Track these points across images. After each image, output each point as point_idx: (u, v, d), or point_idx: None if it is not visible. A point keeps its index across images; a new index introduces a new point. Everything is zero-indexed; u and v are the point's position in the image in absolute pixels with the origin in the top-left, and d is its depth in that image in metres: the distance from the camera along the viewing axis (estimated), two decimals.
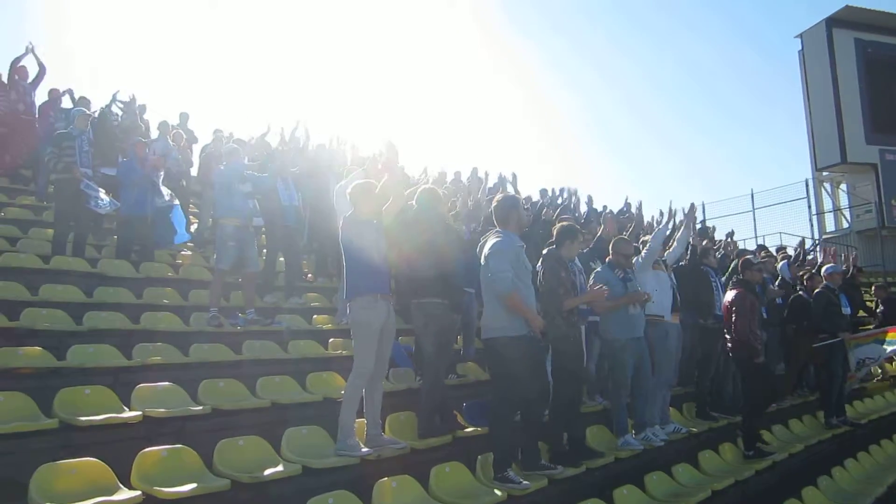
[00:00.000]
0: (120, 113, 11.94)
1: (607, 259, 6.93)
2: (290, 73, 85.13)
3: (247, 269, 7.60)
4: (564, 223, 6.72)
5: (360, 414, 5.09)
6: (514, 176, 15.49)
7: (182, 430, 4.84)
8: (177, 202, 8.89)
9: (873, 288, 12.36)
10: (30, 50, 10.81)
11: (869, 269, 21.63)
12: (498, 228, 5.46)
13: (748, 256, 8.87)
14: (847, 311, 9.44)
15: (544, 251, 6.27)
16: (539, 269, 6.04)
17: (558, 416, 5.94)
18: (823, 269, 10.01)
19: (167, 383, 5.31)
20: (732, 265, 9.02)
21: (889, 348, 9.26)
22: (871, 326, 11.14)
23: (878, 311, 11.76)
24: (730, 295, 7.49)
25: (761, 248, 15.05)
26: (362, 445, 4.93)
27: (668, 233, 7.72)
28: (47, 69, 10.97)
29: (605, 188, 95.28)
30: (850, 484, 7.17)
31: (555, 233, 6.35)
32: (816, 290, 9.42)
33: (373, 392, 5.11)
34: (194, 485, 4.06)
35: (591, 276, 6.68)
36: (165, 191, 8.85)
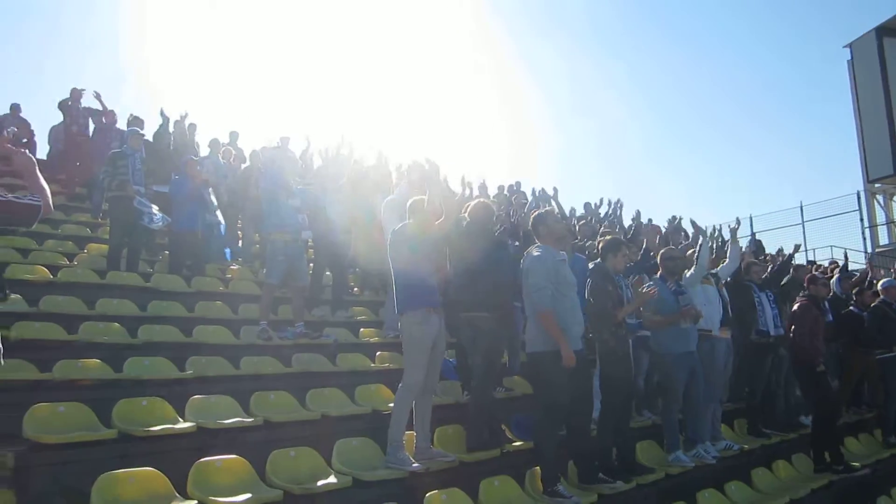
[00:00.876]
0: (172, 131, 12.27)
1: (658, 273, 6.89)
2: (294, 75, 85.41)
3: (296, 283, 7.71)
4: (608, 236, 6.71)
5: (409, 426, 5.11)
6: (556, 190, 15.55)
7: (235, 441, 4.91)
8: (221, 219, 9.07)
9: None
10: (96, 97, 11.55)
11: None
12: (538, 243, 5.47)
13: (815, 273, 8.75)
14: None
15: (590, 265, 6.26)
16: (587, 284, 6.03)
17: (607, 431, 5.88)
18: (880, 283, 9.77)
19: (220, 395, 5.41)
20: (785, 279, 8.89)
21: None
22: None
23: None
24: (795, 307, 7.48)
25: (811, 263, 14.75)
26: (412, 459, 4.95)
27: (709, 246, 7.61)
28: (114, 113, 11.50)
29: (651, 202, 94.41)
30: None
31: (599, 247, 6.33)
32: (873, 304, 9.18)
33: (423, 405, 5.16)
34: (248, 495, 4.13)
35: (645, 286, 6.62)
36: (215, 205, 9.03)
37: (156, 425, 4.74)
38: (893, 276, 11.03)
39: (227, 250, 8.97)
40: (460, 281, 5.76)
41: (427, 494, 4.47)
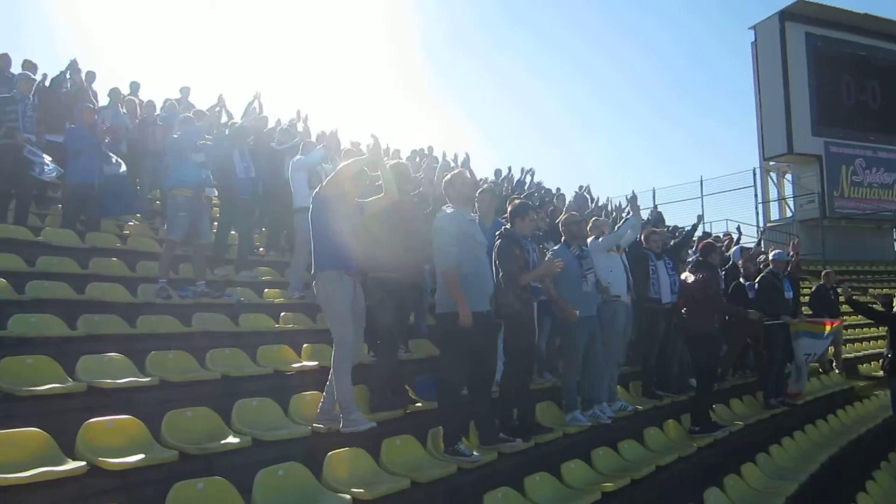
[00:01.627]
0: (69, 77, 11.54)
1: (563, 238, 7.05)
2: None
3: (198, 241, 7.47)
4: (516, 201, 6.79)
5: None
6: (467, 156, 15.72)
7: (129, 402, 4.74)
8: (123, 170, 8.63)
9: (823, 274, 12.81)
10: None
11: (810, 257, 22.33)
12: (449, 204, 5.48)
13: (709, 240, 9.12)
14: (790, 294, 9.72)
15: (499, 231, 6.31)
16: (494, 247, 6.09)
17: (509, 392, 6.01)
18: (770, 255, 10.32)
19: (113, 354, 5.20)
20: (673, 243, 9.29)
21: (827, 342, 9.71)
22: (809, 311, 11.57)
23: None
24: (690, 277, 7.73)
25: (707, 234, 15.43)
26: (365, 420, 4.93)
27: (636, 223, 7.88)
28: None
29: (561, 172, 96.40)
30: (787, 461, 7.43)
31: (509, 210, 6.39)
32: (761, 275, 9.68)
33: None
34: (141, 455, 4.00)
35: (548, 254, 6.77)
36: (114, 157, 8.59)
37: (42, 385, 4.51)
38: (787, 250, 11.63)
39: (130, 198, 8.56)
40: (373, 241, 5.70)
41: (329, 454, 4.45)
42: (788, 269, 10.12)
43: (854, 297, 8.30)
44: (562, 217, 7.45)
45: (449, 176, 5.69)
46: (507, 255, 5.85)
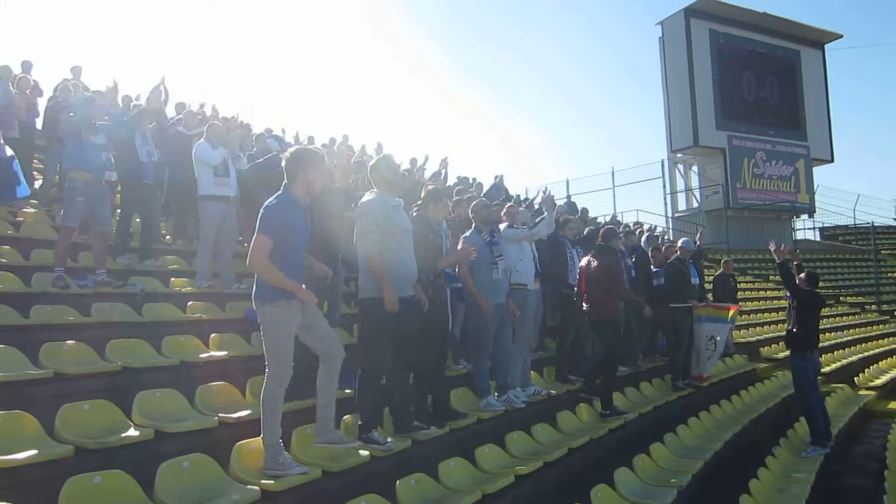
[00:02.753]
0: None
1: (473, 225, 7.06)
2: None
3: (97, 227, 7.11)
4: (430, 186, 6.77)
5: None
6: (380, 145, 15.81)
7: (20, 396, 4.46)
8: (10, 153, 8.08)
9: (723, 262, 13.33)
10: None
11: (714, 246, 23.27)
12: (374, 189, 5.39)
13: (610, 226, 9.29)
14: (696, 280, 10.07)
15: (414, 213, 6.25)
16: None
17: (423, 379, 5.97)
18: (678, 242, 10.69)
19: (3, 346, 4.88)
20: (588, 230, 9.46)
21: (729, 326, 10.07)
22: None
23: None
24: (592, 262, 7.78)
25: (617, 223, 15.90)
26: (294, 463, 4.34)
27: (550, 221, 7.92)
28: None
29: (475, 162, 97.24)
30: (693, 440, 7.68)
31: (423, 195, 6.36)
32: (668, 261, 10.00)
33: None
34: (33, 451, 3.76)
35: (461, 240, 6.76)
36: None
37: None
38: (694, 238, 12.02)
39: (22, 185, 8.01)
40: None
41: (236, 444, 4.31)
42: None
43: (790, 269, 8.49)
44: (472, 204, 7.46)
45: (374, 160, 5.58)
46: (420, 241, 5.79)
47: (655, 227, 15.76)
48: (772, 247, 8.62)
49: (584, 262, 8.01)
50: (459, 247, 6.42)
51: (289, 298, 4.31)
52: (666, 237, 19.93)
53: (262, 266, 4.23)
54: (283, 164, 4.53)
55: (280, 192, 4.44)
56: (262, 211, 4.29)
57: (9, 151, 7.87)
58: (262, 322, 4.36)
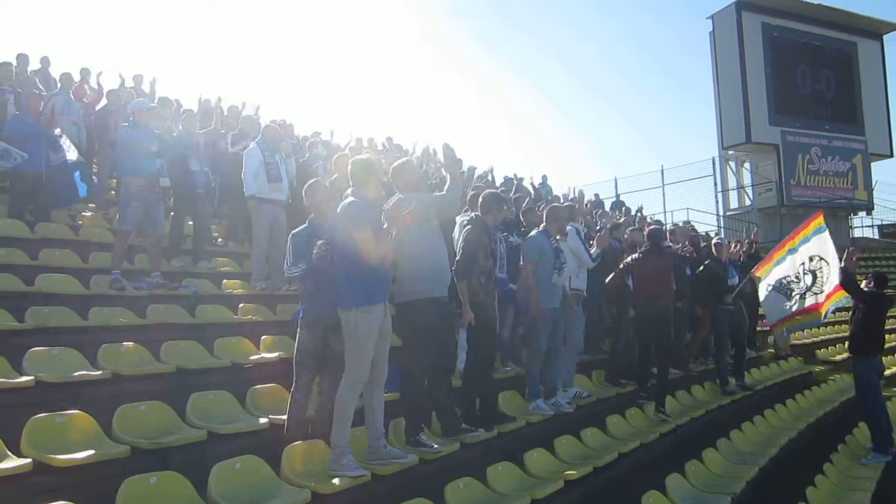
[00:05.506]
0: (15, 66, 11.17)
1: (543, 225, 7.02)
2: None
3: (152, 231, 7.28)
4: (492, 191, 6.78)
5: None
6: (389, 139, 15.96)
7: (79, 396, 4.59)
8: (75, 157, 8.31)
9: None
10: None
11: (769, 245, 22.65)
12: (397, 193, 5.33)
13: (658, 227, 9.17)
14: (734, 281, 9.81)
15: (467, 217, 6.26)
16: (459, 232, 6.06)
17: (471, 382, 5.97)
18: (713, 242, 10.43)
19: (62, 347, 5.03)
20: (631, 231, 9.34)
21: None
22: None
23: None
24: (644, 260, 7.76)
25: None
26: (356, 464, 4.36)
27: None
28: None
29: (520, 165, 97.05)
30: (747, 446, 7.52)
31: (481, 200, 6.37)
32: (704, 264, 9.74)
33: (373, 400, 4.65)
34: (92, 451, 3.87)
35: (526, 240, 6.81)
36: (67, 144, 8.27)
37: None
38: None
39: (83, 186, 8.23)
40: None
41: (287, 447, 4.36)
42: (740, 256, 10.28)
43: (853, 275, 8.15)
44: (548, 208, 7.39)
45: (397, 164, 5.50)
46: (475, 241, 5.83)
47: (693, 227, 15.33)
48: (850, 257, 8.10)
49: (629, 259, 7.98)
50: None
51: (374, 303, 4.37)
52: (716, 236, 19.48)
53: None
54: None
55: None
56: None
57: (73, 156, 8.12)
58: (345, 326, 4.44)
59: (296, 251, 4.91)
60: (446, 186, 5.19)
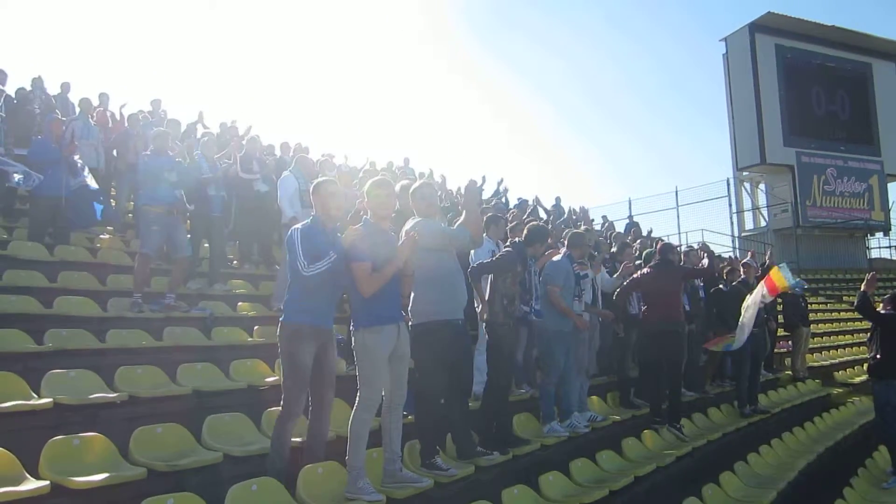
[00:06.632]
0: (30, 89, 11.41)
1: (565, 251, 7.17)
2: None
3: (176, 255, 7.39)
4: (539, 225, 6.93)
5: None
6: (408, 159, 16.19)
7: (96, 418, 4.62)
8: (94, 186, 8.43)
9: None
10: None
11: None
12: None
13: (668, 242, 9.16)
14: None
15: (508, 241, 6.46)
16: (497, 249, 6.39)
17: (490, 404, 5.97)
18: (742, 262, 10.43)
19: (80, 370, 5.08)
20: (647, 252, 9.28)
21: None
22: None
23: None
24: (653, 276, 7.78)
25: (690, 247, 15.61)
26: (372, 488, 4.33)
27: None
28: None
29: (534, 185, 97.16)
30: (765, 469, 7.43)
31: (526, 231, 6.58)
32: (732, 284, 9.72)
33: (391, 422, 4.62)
34: (109, 473, 3.89)
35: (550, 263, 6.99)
36: (86, 171, 8.39)
37: (5, 402, 4.37)
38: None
39: (100, 207, 8.33)
40: None
41: (303, 469, 4.36)
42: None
43: (870, 298, 8.08)
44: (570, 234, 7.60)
45: (415, 187, 5.40)
46: (509, 263, 6.04)
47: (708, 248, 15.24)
48: (871, 281, 8.04)
49: (639, 275, 7.99)
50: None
51: (384, 324, 4.40)
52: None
53: None
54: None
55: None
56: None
57: (93, 184, 8.25)
58: (355, 348, 4.47)
59: (309, 251, 4.44)
60: (458, 222, 5.16)
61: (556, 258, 7.06)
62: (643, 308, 8.02)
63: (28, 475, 3.72)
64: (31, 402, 4.49)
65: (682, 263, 9.04)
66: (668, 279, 7.77)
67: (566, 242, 7.28)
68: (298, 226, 4.58)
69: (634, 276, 7.97)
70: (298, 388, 4.42)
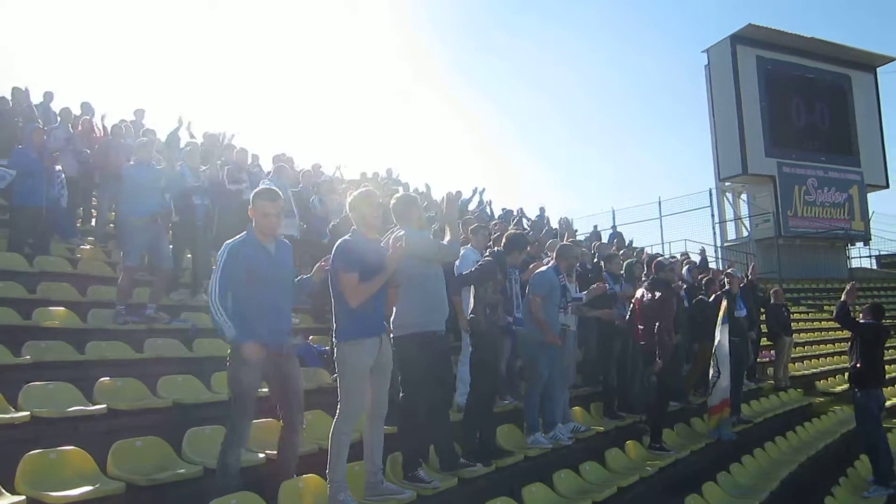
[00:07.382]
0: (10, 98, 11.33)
1: (551, 262, 7.20)
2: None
3: (160, 265, 7.34)
4: (518, 232, 6.91)
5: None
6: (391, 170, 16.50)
7: (75, 432, 4.57)
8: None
9: (772, 293, 13.04)
10: None
11: (766, 276, 22.72)
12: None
13: (660, 259, 9.16)
14: (743, 312, 9.81)
15: (489, 250, 6.44)
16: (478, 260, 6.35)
17: (473, 415, 5.95)
18: (726, 271, 10.51)
19: (59, 382, 5.02)
20: (626, 263, 9.28)
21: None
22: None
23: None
24: (646, 294, 7.73)
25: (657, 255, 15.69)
26: (355, 501, 4.32)
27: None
28: None
29: (519, 193, 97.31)
30: (748, 479, 7.46)
31: (505, 240, 6.63)
32: (714, 295, 9.75)
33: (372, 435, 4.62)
34: (87, 488, 3.85)
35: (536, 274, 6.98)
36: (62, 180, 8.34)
37: None
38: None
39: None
40: None
41: (283, 483, 4.32)
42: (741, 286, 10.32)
43: (848, 308, 8.15)
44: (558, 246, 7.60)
45: (400, 196, 5.38)
46: (488, 273, 6.00)
47: (688, 258, 15.31)
48: (850, 292, 8.15)
49: (638, 293, 7.96)
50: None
51: (365, 337, 4.38)
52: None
53: None
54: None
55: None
56: None
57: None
58: (337, 360, 4.46)
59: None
60: (447, 239, 5.15)
61: (541, 269, 7.07)
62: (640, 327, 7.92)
63: (4, 490, 3.68)
64: (8, 416, 4.44)
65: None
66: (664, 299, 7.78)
67: (554, 254, 7.29)
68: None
69: (636, 296, 7.97)
70: (241, 414, 4.27)
